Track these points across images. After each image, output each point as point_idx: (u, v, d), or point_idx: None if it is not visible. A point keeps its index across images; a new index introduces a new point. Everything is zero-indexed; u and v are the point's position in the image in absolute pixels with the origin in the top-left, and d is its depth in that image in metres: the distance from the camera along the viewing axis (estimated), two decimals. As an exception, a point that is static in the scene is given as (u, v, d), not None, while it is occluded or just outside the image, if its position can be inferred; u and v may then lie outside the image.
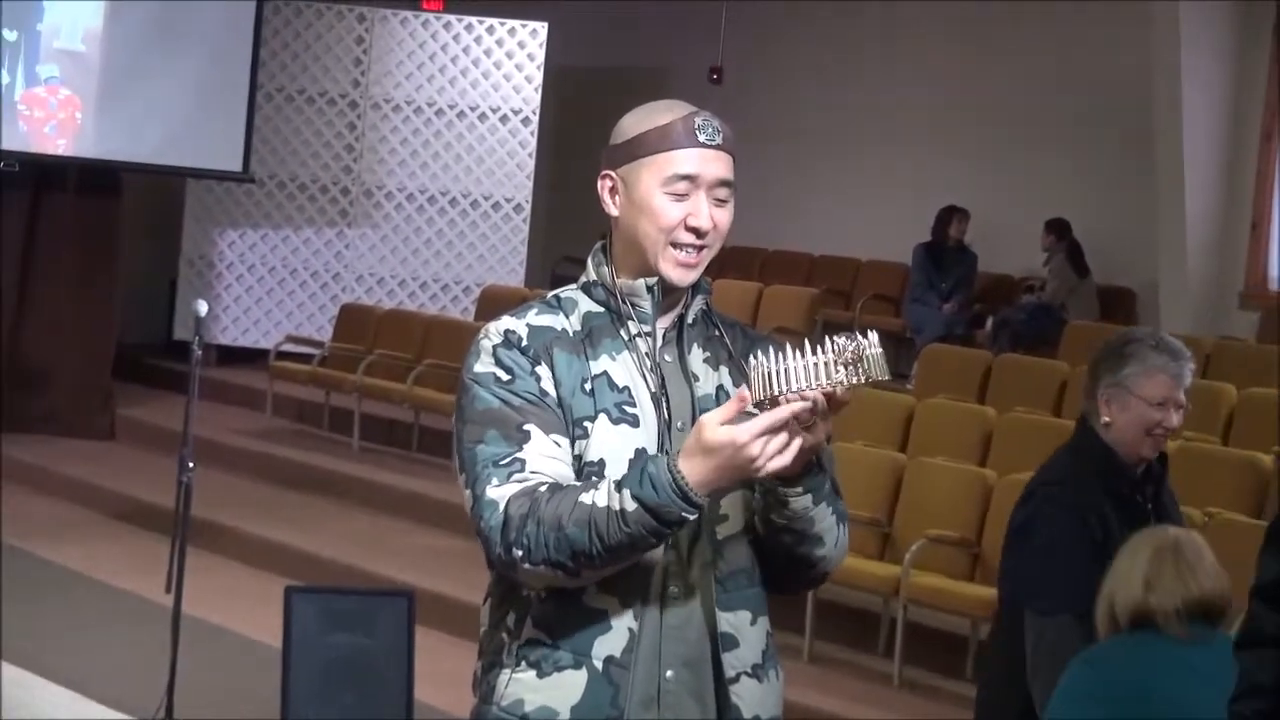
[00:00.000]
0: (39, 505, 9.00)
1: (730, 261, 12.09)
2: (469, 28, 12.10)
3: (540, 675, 2.50)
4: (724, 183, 2.56)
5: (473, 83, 12.07)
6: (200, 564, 6.88)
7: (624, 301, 2.58)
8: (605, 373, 2.53)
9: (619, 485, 2.39)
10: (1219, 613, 3.31)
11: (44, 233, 10.79)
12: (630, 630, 2.50)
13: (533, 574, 2.43)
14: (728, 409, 2.35)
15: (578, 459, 2.50)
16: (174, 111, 10.68)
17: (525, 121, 12.09)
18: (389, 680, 5.40)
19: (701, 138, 2.53)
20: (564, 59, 12.95)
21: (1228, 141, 10.54)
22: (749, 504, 2.57)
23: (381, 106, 12.06)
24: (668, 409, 2.54)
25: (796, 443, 2.35)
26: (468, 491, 2.48)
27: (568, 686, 2.49)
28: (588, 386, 2.52)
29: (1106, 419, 3.72)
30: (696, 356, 2.61)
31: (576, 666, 2.49)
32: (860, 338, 2.35)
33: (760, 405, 2.35)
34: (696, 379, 2.58)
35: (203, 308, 5.77)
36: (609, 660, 2.49)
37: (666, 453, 2.49)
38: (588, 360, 2.54)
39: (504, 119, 12.08)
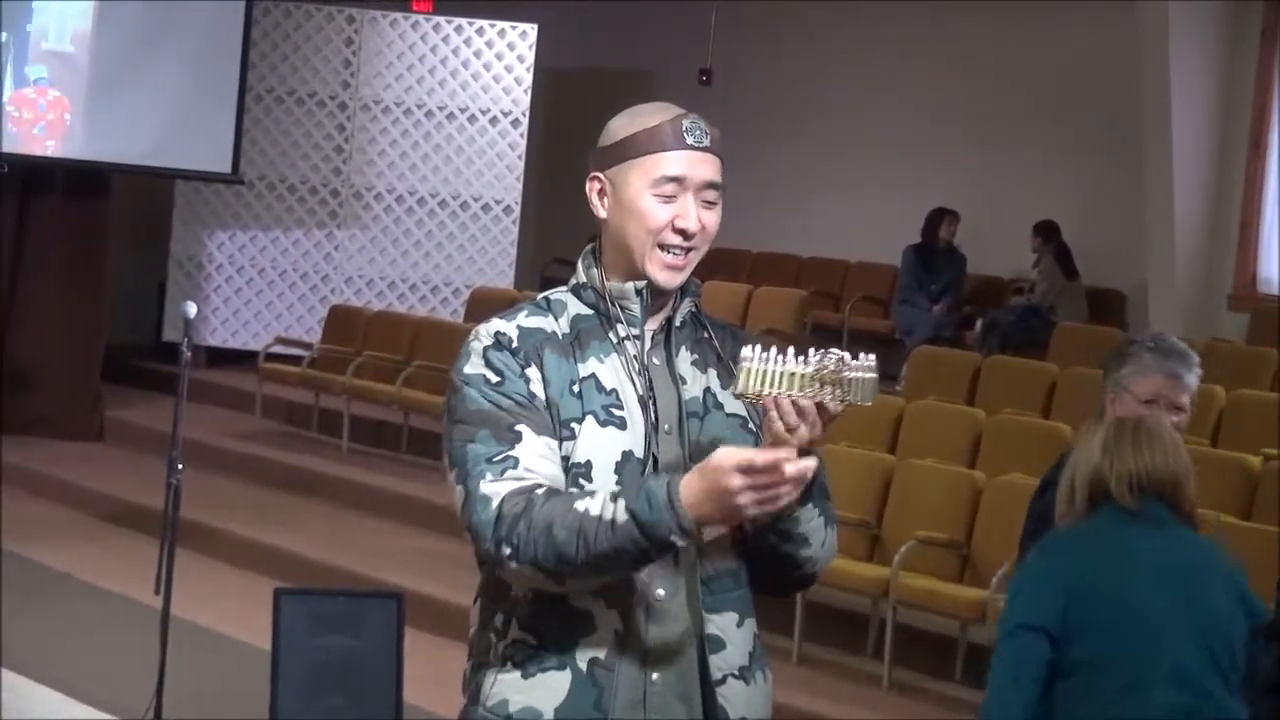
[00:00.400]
0: (27, 507, 8.98)
1: (719, 263, 12.09)
2: (458, 29, 12.09)
3: (525, 676, 2.51)
4: (712, 185, 2.56)
5: (462, 84, 12.07)
6: (189, 566, 6.87)
7: (613, 304, 2.58)
8: (593, 375, 2.54)
9: (615, 496, 2.39)
10: (1172, 491, 3.40)
11: (33, 234, 10.77)
12: (615, 632, 2.50)
13: (518, 574, 2.43)
14: (750, 451, 2.33)
15: (565, 460, 2.50)
16: (163, 113, 10.67)
17: (515, 123, 12.09)
18: (378, 682, 5.39)
19: (689, 140, 2.54)
20: (554, 61, 12.96)
21: (1216, 144, 10.56)
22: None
23: (371, 108, 12.06)
24: (655, 411, 2.54)
25: (787, 492, 2.34)
26: (459, 487, 2.48)
27: (552, 687, 2.49)
28: (576, 388, 2.52)
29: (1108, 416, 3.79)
30: (684, 359, 2.61)
31: (560, 668, 2.49)
32: (850, 359, 2.35)
33: (742, 398, 2.37)
34: (684, 381, 2.59)
35: (192, 309, 5.76)
36: (593, 662, 2.49)
37: (655, 457, 2.50)
38: (576, 362, 2.54)
39: (494, 121, 12.08)
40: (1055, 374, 8.74)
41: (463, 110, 12.06)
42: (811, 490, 2.48)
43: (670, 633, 2.53)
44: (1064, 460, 3.69)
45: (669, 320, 2.61)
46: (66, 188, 10.83)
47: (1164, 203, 10.34)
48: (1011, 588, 3.49)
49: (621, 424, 2.52)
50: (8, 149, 10.14)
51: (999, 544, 6.42)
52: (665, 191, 2.54)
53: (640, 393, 2.55)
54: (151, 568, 5.73)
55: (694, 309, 2.65)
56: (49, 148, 10.49)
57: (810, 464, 2.32)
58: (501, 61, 12.09)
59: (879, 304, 12.13)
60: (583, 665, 2.49)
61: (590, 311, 2.60)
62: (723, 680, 2.56)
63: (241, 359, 11.70)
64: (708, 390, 2.60)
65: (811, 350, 2.37)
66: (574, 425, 2.50)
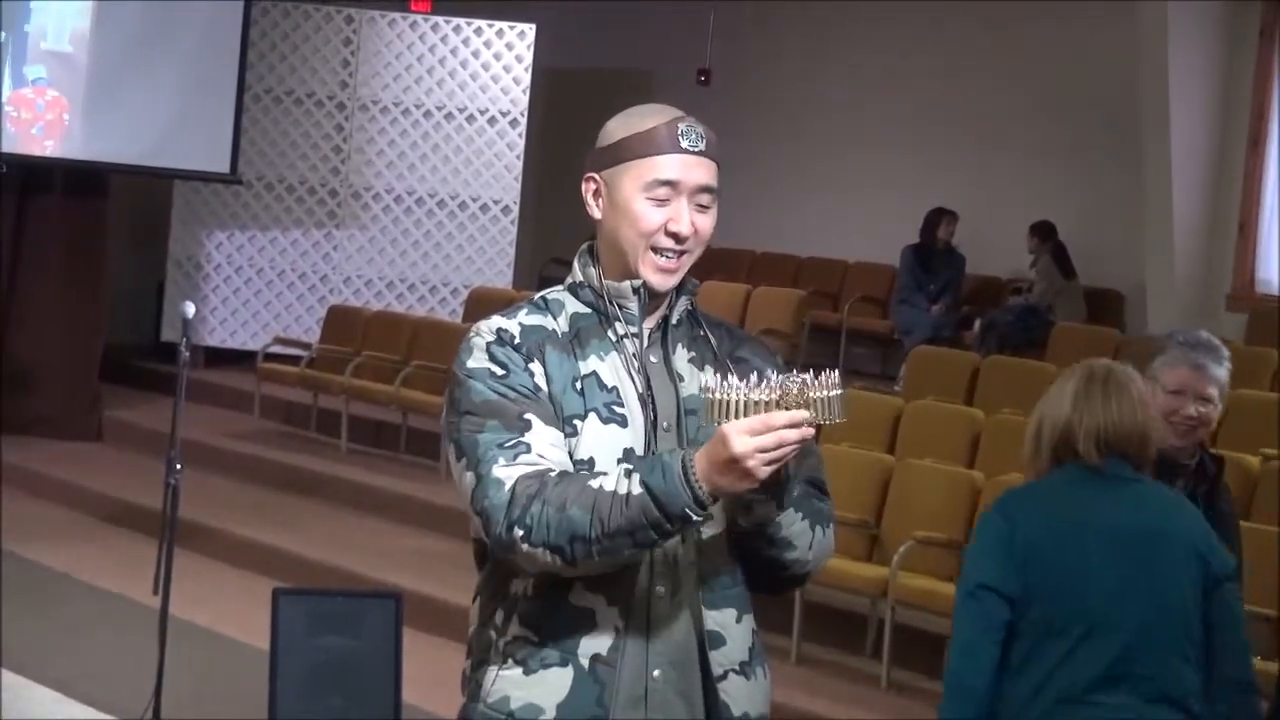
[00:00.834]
0: (26, 506, 8.97)
1: (718, 263, 12.09)
2: (457, 29, 12.09)
3: (526, 673, 2.51)
4: (706, 189, 2.57)
5: (460, 84, 12.06)
6: (188, 566, 6.87)
7: (611, 303, 2.59)
8: (594, 372, 2.55)
9: (629, 472, 2.40)
10: (1139, 447, 3.43)
11: (31, 234, 10.76)
12: (617, 629, 2.50)
13: (530, 556, 2.43)
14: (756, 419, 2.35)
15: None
16: (161, 113, 10.66)
17: (513, 123, 12.09)
18: (377, 682, 5.39)
19: (684, 143, 2.55)
20: (552, 61, 12.96)
21: (1214, 144, 10.56)
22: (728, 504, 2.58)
23: (369, 108, 12.05)
24: (654, 409, 2.55)
25: (792, 443, 2.35)
26: (469, 474, 2.48)
27: (553, 684, 2.49)
28: (578, 385, 2.53)
29: None
30: (681, 356, 2.62)
31: (563, 664, 2.50)
32: (812, 379, 2.36)
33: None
34: (681, 379, 2.60)
35: (190, 309, 5.75)
36: (595, 658, 2.50)
37: (654, 453, 2.51)
38: (577, 360, 2.55)
39: (492, 121, 12.07)
40: (1054, 374, 8.59)
41: (461, 110, 12.05)
42: (787, 492, 2.49)
43: (670, 629, 2.53)
44: None
45: (665, 318, 2.62)
46: (65, 188, 10.82)
47: (1163, 202, 10.34)
48: (971, 548, 3.53)
49: (623, 421, 2.53)
50: (6, 149, 10.13)
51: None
52: (659, 195, 2.55)
53: (640, 390, 2.56)
54: (150, 568, 5.73)
55: (690, 307, 2.66)
56: (48, 148, 10.49)
57: (802, 415, 2.33)
58: (500, 61, 12.08)
59: (877, 304, 12.13)
60: (585, 662, 2.49)
61: (588, 310, 2.61)
62: (724, 676, 2.56)
63: (240, 359, 11.69)
64: (704, 387, 2.60)
65: (772, 374, 2.38)
66: (576, 422, 2.51)
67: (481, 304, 10.79)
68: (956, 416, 8.05)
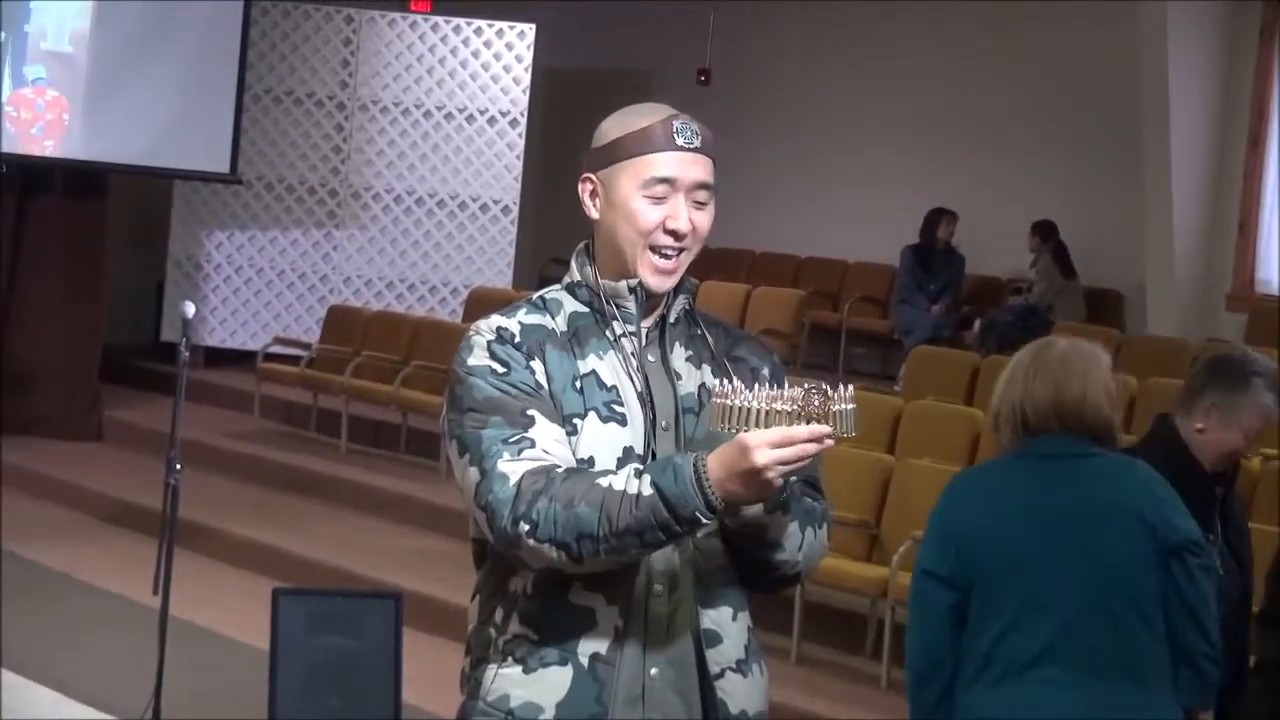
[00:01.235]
0: (26, 506, 8.97)
1: (718, 263, 12.10)
2: (456, 29, 12.09)
3: (526, 671, 2.51)
4: (703, 185, 2.57)
5: (460, 84, 12.06)
6: (187, 566, 6.87)
7: (608, 302, 2.59)
8: (594, 371, 2.55)
9: (640, 472, 2.40)
10: (1093, 419, 3.44)
11: (31, 234, 10.77)
12: (616, 627, 2.51)
13: (535, 552, 2.42)
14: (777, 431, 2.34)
15: (568, 455, 2.52)
16: (161, 113, 10.67)
17: (513, 123, 12.09)
18: (376, 682, 5.39)
19: (680, 141, 2.55)
20: (552, 61, 12.96)
21: (1214, 144, 10.56)
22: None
23: (369, 108, 12.05)
24: (652, 408, 2.55)
25: (811, 454, 2.36)
26: (473, 469, 2.47)
27: (553, 683, 2.50)
28: (578, 384, 2.54)
29: (1201, 425, 3.89)
30: (679, 355, 2.62)
31: (562, 663, 2.50)
32: (831, 391, 2.36)
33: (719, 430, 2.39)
34: (679, 378, 2.60)
35: (190, 309, 5.75)
36: (594, 657, 2.50)
37: (654, 453, 2.52)
38: (576, 359, 2.56)
39: (492, 121, 12.08)
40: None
41: (461, 110, 12.05)
42: (779, 497, 2.49)
43: (668, 628, 2.54)
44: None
45: (663, 317, 2.62)
46: (65, 188, 10.82)
47: (1162, 202, 10.34)
48: (925, 531, 3.59)
49: (622, 420, 2.53)
50: (6, 149, 10.13)
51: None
52: (656, 193, 2.55)
53: (639, 390, 2.56)
54: (150, 568, 5.73)
55: (688, 306, 2.66)
56: (47, 148, 10.49)
57: (825, 430, 2.34)
58: (500, 62, 12.08)
59: (877, 304, 12.14)
60: (584, 660, 2.50)
61: (586, 309, 2.61)
62: (721, 674, 2.57)
63: (240, 359, 11.69)
64: (702, 386, 2.60)
65: (783, 381, 2.39)
66: (576, 421, 2.52)
67: (481, 304, 10.79)
68: (956, 416, 8.05)
